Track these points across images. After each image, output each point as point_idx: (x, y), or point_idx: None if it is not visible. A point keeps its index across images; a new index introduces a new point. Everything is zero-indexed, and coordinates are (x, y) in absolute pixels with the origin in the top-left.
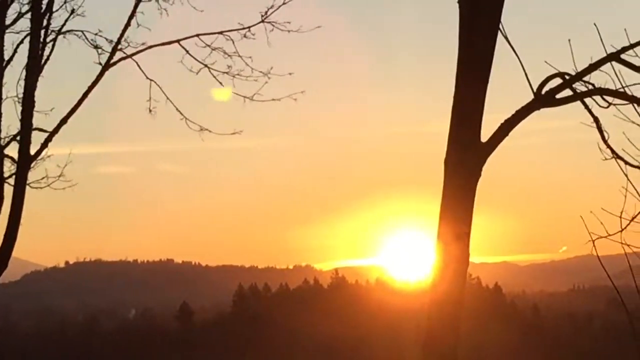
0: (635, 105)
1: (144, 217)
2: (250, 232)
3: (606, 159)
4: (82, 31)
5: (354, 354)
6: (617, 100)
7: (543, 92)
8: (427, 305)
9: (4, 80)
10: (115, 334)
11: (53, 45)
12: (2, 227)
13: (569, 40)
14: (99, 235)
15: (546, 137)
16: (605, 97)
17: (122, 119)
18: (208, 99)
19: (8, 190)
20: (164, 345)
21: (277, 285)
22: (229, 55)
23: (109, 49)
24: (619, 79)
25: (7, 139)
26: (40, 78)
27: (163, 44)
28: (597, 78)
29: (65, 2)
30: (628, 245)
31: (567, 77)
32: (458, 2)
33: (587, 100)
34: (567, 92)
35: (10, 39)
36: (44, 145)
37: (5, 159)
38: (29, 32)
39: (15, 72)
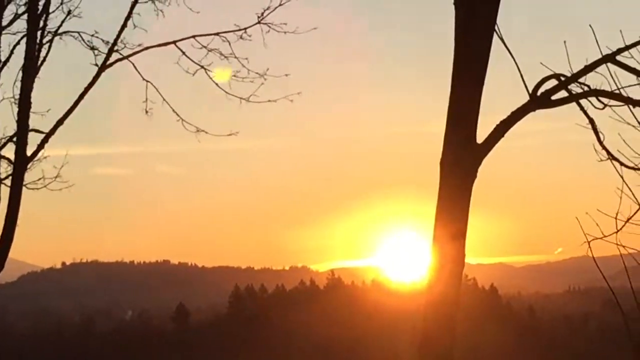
0: (631, 106)
1: (141, 218)
2: (246, 233)
3: (602, 160)
4: (78, 32)
5: (350, 354)
6: (612, 102)
7: (539, 93)
8: (423, 306)
9: (1, 82)
10: (112, 335)
11: (49, 47)
12: None
13: (565, 41)
14: (96, 237)
15: (542, 138)
16: (600, 98)
17: (119, 120)
18: (204, 100)
19: (4, 192)
20: (160, 346)
21: (273, 286)
22: (225, 57)
23: (106, 50)
24: (614, 81)
25: (3, 140)
26: (36, 79)
27: (159, 45)
28: (593, 79)
29: (61, 3)
30: (623, 247)
31: (562, 79)
32: (454, 3)
33: (583, 101)
34: (562, 94)
35: (6, 40)
36: (41, 146)
37: (2, 160)
38: (25, 33)
39: (12, 73)
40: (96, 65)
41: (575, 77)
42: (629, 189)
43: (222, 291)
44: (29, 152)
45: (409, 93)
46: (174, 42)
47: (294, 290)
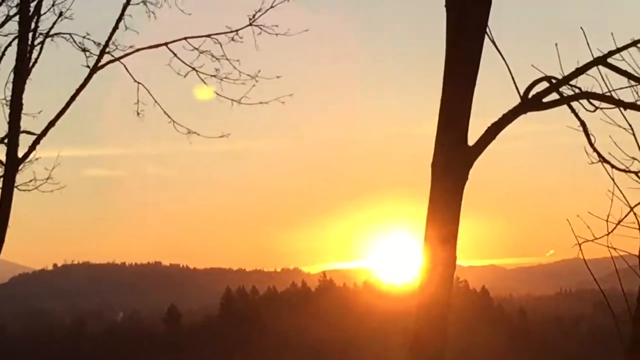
0: (622, 109)
1: (132, 219)
2: (238, 234)
3: (593, 162)
4: (70, 34)
5: (341, 356)
6: (603, 104)
7: (530, 95)
8: (415, 308)
9: None
10: (104, 336)
11: (41, 48)
12: None
13: (556, 44)
14: (87, 238)
15: (533, 140)
16: (591, 101)
17: (110, 121)
18: (196, 102)
19: None
20: (151, 348)
21: (264, 288)
22: (216, 59)
23: (97, 52)
24: (605, 83)
25: None
26: (28, 81)
27: (151, 47)
28: (584, 82)
29: (53, 5)
30: (614, 249)
31: (553, 81)
32: (445, 5)
33: (574, 104)
34: (554, 96)
35: None
36: (32, 147)
37: None
38: (17, 34)
39: (3, 75)
40: (88, 66)
41: (566, 80)
42: (620, 191)
43: (213, 293)
44: (20, 154)
45: (401, 95)
46: (166, 44)
47: (286, 292)
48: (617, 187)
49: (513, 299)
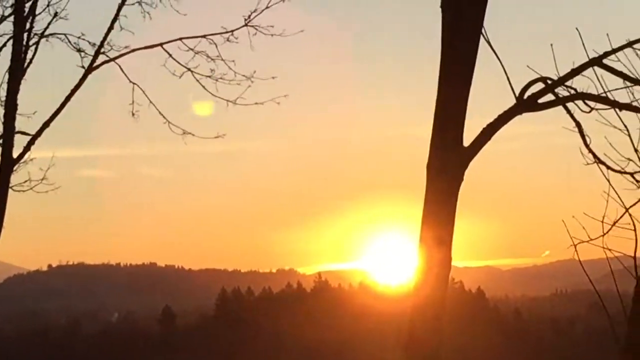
0: (617, 110)
1: (127, 220)
2: (233, 235)
3: (588, 163)
4: (65, 34)
5: (337, 357)
6: (599, 105)
7: (525, 96)
8: (410, 309)
9: None
10: (98, 337)
11: (36, 49)
12: None
13: (551, 45)
14: (82, 239)
15: (528, 141)
16: (587, 101)
17: (105, 122)
18: (191, 102)
19: None
20: (146, 349)
21: (260, 289)
22: (212, 59)
23: (92, 53)
24: (601, 84)
25: None
26: (23, 81)
27: (146, 47)
28: (579, 83)
29: (48, 5)
30: (610, 250)
31: (549, 82)
32: (441, 6)
33: (569, 105)
34: (549, 97)
35: None
36: (27, 148)
37: None
38: (11, 35)
39: None
40: (83, 67)
41: (561, 81)
42: (615, 192)
43: (208, 294)
44: (15, 154)
45: (396, 96)
46: (161, 45)
47: (281, 293)
48: (613, 188)
49: (508, 300)
